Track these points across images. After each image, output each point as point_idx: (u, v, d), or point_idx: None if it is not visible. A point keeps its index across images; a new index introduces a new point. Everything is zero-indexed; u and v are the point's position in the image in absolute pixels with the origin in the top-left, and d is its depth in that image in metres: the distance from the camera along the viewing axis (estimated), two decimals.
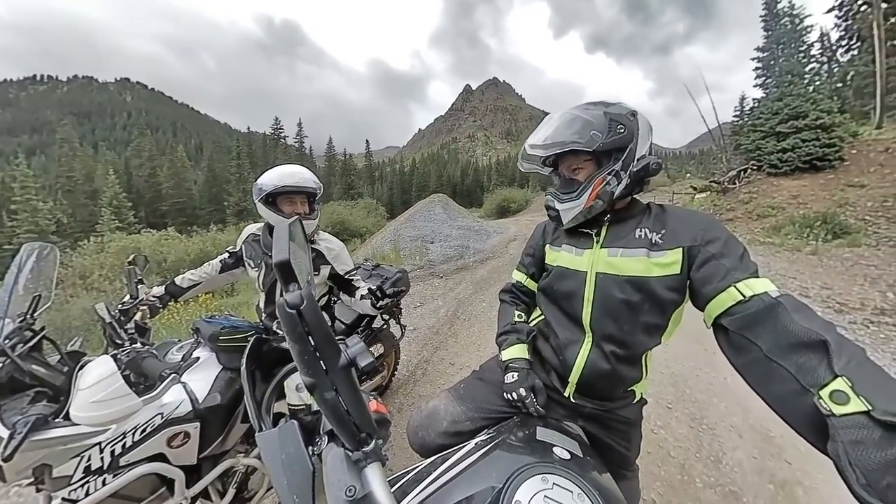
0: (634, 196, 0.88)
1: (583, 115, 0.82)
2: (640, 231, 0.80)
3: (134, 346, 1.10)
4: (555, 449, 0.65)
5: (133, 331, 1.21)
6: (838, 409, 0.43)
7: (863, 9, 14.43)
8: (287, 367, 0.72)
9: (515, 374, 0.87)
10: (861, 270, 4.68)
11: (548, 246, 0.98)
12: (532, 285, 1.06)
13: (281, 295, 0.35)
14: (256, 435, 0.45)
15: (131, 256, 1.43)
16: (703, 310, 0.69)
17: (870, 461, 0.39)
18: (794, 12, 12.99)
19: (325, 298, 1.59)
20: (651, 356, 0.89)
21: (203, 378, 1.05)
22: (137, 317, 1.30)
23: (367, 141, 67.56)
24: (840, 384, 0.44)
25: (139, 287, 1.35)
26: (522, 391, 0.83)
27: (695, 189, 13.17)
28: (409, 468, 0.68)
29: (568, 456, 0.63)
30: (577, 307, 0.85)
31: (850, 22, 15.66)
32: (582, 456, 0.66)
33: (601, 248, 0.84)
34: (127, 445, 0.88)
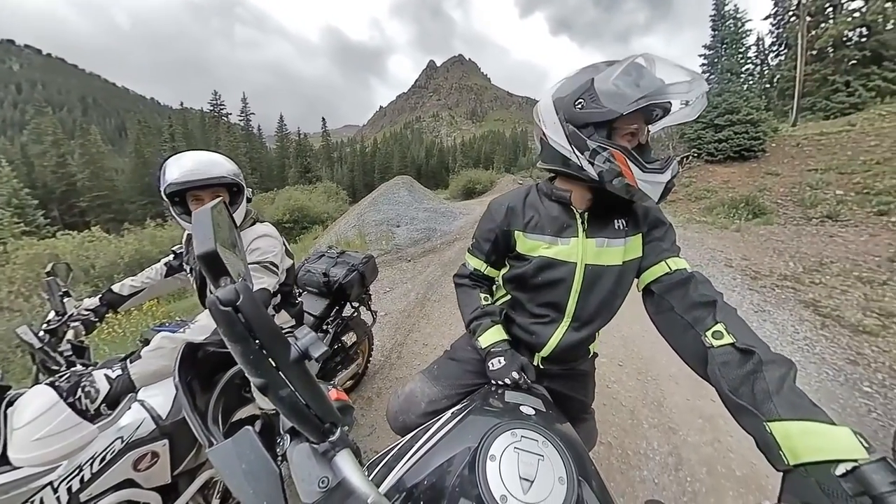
0: None
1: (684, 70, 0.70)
2: (618, 222, 0.82)
3: (73, 368, 0.94)
4: (521, 407, 0.71)
5: (69, 352, 1.07)
6: (716, 343, 0.62)
7: (792, 19, 16.27)
8: (230, 371, 0.64)
9: (502, 359, 0.85)
10: (772, 245, 5.51)
11: (520, 232, 0.88)
12: (492, 273, 1.01)
13: (211, 292, 0.30)
14: (206, 451, 0.40)
15: (49, 266, 1.21)
16: (638, 277, 0.83)
17: (732, 374, 0.58)
18: (738, 15, 14.16)
19: (288, 290, 1.46)
20: None
21: (162, 392, 0.94)
22: (70, 335, 1.12)
23: (323, 119, 60.96)
24: (719, 327, 0.63)
25: (65, 301, 1.16)
26: (515, 374, 0.82)
27: None
28: (391, 446, 0.71)
29: (533, 412, 0.69)
30: (562, 295, 0.85)
31: (781, 30, 17.59)
32: (545, 410, 0.74)
33: (587, 237, 0.82)
34: (86, 479, 0.78)
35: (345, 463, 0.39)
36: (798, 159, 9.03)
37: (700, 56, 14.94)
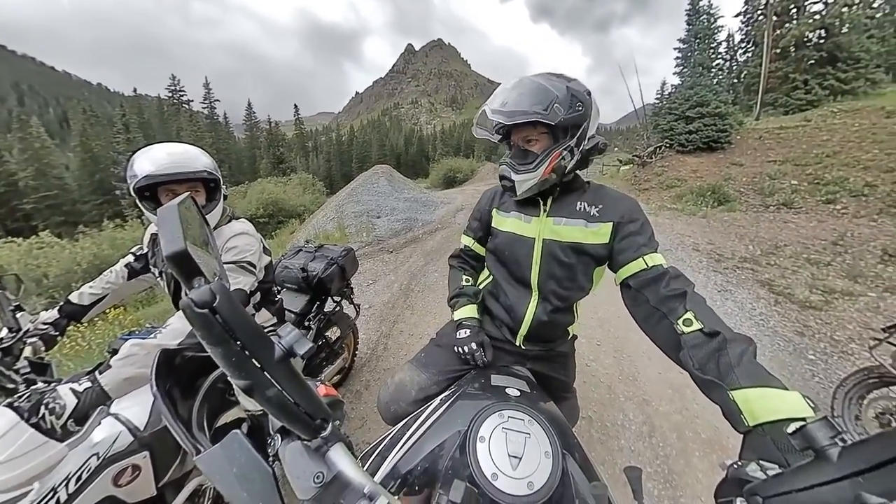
0: (577, 172, 0.94)
1: (546, 85, 0.82)
2: (581, 204, 0.90)
3: (34, 387, 0.88)
4: (507, 390, 0.74)
5: (28, 370, 1.00)
6: (687, 330, 0.69)
7: (760, 18, 17.02)
8: (212, 375, 0.63)
9: (467, 331, 0.98)
10: (735, 230, 5.91)
11: (495, 210, 1.04)
12: (479, 249, 1.14)
13: (184, 294, 0.29)
14: (194, 459, 0.39)
15: None
16: (615, 271, 0.88)
17: (700, 355, 0.65)
18: (711, 11, 14.65)
19: (267, 288, 1.40)
20: (580, 303, 1.04)
21: (137, 403, 0.90)
22: (28, 352, 1.04)
23: (295, 106, 58.42)
24: (689, 315, 0.70)
25: (18, 316, 1.07)
26: (473, 345, 0.94)
27: (620, 162, 14.82)
28: (383, 436, 0.73)
29: (518, 393, 0.73)
30: (525, 270, 0.94)
31: (750, 28, 18.29)
32: (529, 391, 0.78)
33: (547, 216, 0.92)
34: (62, 500, 0.73)
35: (338, 456, 0.39)
36: (760, 151, 9.63)
37: (675, 49, 15.41)
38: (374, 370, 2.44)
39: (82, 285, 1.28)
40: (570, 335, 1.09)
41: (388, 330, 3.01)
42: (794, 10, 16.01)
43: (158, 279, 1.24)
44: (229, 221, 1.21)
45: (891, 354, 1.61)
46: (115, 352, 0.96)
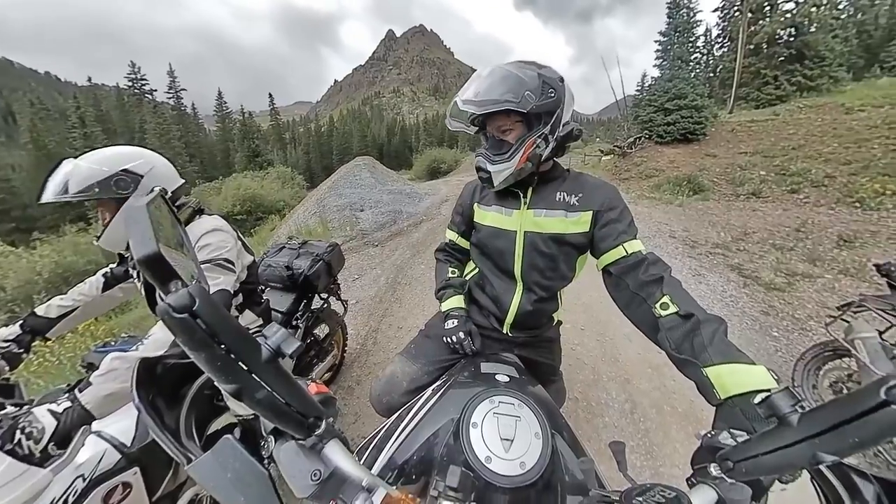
0: (555, 159, 0.94)
1: (517, 73, 0.81)
2: (560, 195, 0.91)
3: (4, 412, 0.82)
4: (497, 376, 0.76)
5: None
6: (664, 313, 0.72)
7: (736, 14, 17.41)
8: (197, 381, 0.61)
9: (455, 321, 1.00)
10: (708, 218, 6.19)
11: (477, 205, 1.05)
12: (463, 243, 1.15)
13: (161, 300, 0.27)
14: (186, 468, 0.39)
15: None
16: (597, 258, 0.91)
17: (676, 336, 0.68)
18: (691, 5, 14.93)
19: (251, 288, 1.33)
20: (564, 290, 1.06)
21: (121, 419, 0.86)
22: None
23: (270, 95, 53.05)
24: (666, 299, 0.73)
25: None
26: (461, 335, 0.96)
27: (602, 152, 15.06)
28: (378, 429, 0.73)
29: (507, 379, 0.75)
30: (508, 262, 0.96)
31: (726, 23, 18.69)
32: (518, 377, 0.80)
33: (528, 209, 0.92)
34: None
35: (334, 453, 0.39)
36: (732, 143, 10.03)
37: (655, 42, 15.72)
38: (365, 365, 2.43)
39: (47, 298, 1.20)
40: (555, 321, 1.12)
41: (376, 324, 3.00)
42: (768, 8, 16.56)
43: (136, 281, 1.17)
44: (198, 217, 1.12)
45: (843, 330, 1.75)
46: (90, 366, 0.92)
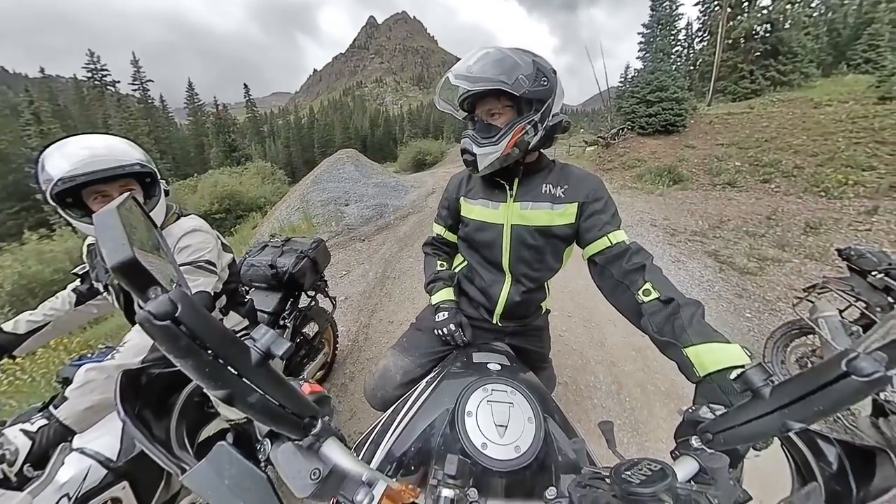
0: (541, 151, 0.95)
1: (513, 56, 0.81)
2: (546, 187, 0.91)
3: None
4: (489, 365, 0.78)
5: None
6: (646, 299, 0.76)
7: (716, 9, 17.90)
8: (185, 389, 0.59)
9: (445, 313, 1.00)
10: (687, 207, 6.42)
11: (463, 198, 1.04)
12: (450, 237, 1.15)
13: (140, 308, 0.26)
14: (181, 479, 0.38)
15: None
16: (583, 248, 0.93)
17: (658, 320, 0.72)
18: None
19: (233, 288, 1.28)
20: (551, 279, 1.09)
21: (105, 432, 0.82)
22: None
23: (245, 86, 48.80)
24: (647, 286, 0.76)
25: None
26: (452, 326, 0.97)
27: (586, 143, 15.26)
28: (374, 423, 0.74)
29: (499, 367, 0.76)
30: (496, 254, 0.97)
31: (706, 17, 19.14)
32: (510, 365, 0.82)
33: (514, 201, 0.92)
34: None
35: (332, 450, 0.39)
36: (710, 135, 10.38)
37: (638, 34, 15.89)
38: (358, 361, 2.43)
39: (13, 312, 1.12)
40: (544, 310, 1.15)
41: (367, 320, 2.98)
42: (746, 3, 17.10)
43: (106, 295, 1.10)
44: (177, 219, 1.08)
45: (808, 310, 1.88)
46: (66, 381, 0.88)
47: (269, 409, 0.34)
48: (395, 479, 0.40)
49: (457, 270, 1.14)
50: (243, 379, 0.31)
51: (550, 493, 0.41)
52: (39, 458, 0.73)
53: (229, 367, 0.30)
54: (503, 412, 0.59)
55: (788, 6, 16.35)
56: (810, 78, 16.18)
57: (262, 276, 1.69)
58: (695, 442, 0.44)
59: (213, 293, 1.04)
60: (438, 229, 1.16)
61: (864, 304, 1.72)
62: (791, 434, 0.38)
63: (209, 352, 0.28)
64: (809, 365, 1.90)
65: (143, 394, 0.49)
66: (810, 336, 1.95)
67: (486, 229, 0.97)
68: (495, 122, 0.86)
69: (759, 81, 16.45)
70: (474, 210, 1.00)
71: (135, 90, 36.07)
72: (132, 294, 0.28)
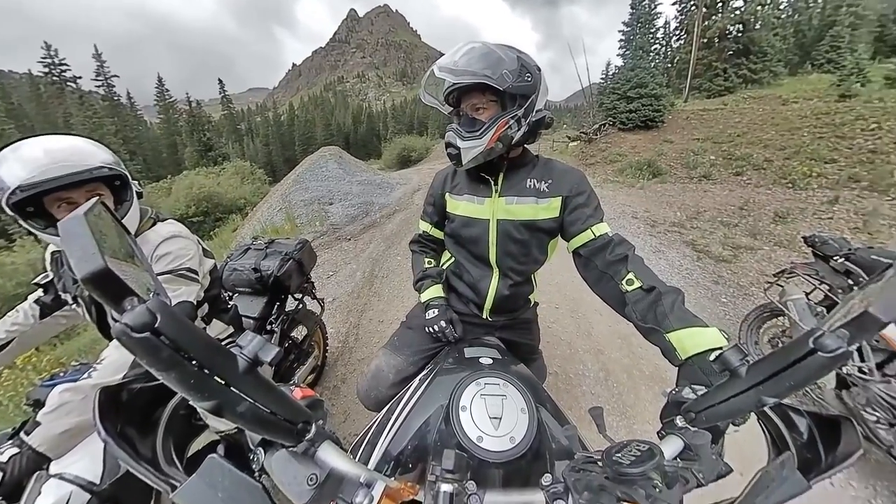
0: (525, 146, 0.96)
1: (498, 52, 0.81)
2: (530, 181, 0.92)
3: None
4: (480, 359, 0.78)
5: None
6: (629, 288, 0.78)
7: (693, 8, 18.57)
8: (170, 402, 0.56)
9: (435, 311, 1.01)
10: (666, 199, 6.66)
11: (448, 194, 1.04)
12: (437, 233, 1.15)
13: (115, 320, 0.25)
14: (171, 496, 0.37)
15: None
16: (567, 241, 0.95)
17: (641, 308, 0.75)
18: None
19: (215, 295, 1.23)
20: (538, 272, 1.11)
21: (85, 455, 0.78)
22: None
23: (220, 81, 45.47)
24: (630, 276, 0.79)
25: None
26: (443, 323, 0.97)
27: (569, 138, 15.53)
28: (369, 424, 0.73)
29: (491, 361, 0.78)
30: (483, 250, 0.98)
31: (683, 17, 19.83)
32: (501, 358, 0.83)
33: (499, 196, 0.93)
34: None
35: (328, 454, 0.39)
36: (686, 130, 10.76)
37: (619, 32, 16.29)
38: (349, 363, 2.40)
39: None
40: (532, 303, 1.17)
41: (356, 320, 2.95)
42: (720, 4, 17.83)
43: (75, 307, 1.02)
44: (153, 224, 1.02)
45: (778, 294, 2.00)
46: (37, 404, 0.82)
47: (260, 417, 0.33)
48: (393, 478, 0.40)
49: (445, 267, 1.14)
50: (231, 388, 0.30)
51: (546, 479, 0.42)
52: (13, 489, 0.69)
53: (216, 377, 0.29)
54: (497, 404, 0.60)
55: (759, 7, 17.19)
56: (778, 76, 17.08)
57: (246, 280, 1.64)
58: (679, 421, 0.46)
59: (195, 302, 1.00)
60: (425, 226, 1.16)
61: (827, 287, 1.85)
62: (766, 409, 0.41)
63: (194, 362, 0.27)
64: (780, 344, 2.01)
65: (125, 410, 0.47)
66: (780, 318, 2.09)
67: (473, 225, 0.98)
68: (479, 117, 0.86)
69: (732, 79, 17.25)
70: (460, 206, 1.01)
71: (98, 86, 33.54)
72: (106, 306, 0.26)
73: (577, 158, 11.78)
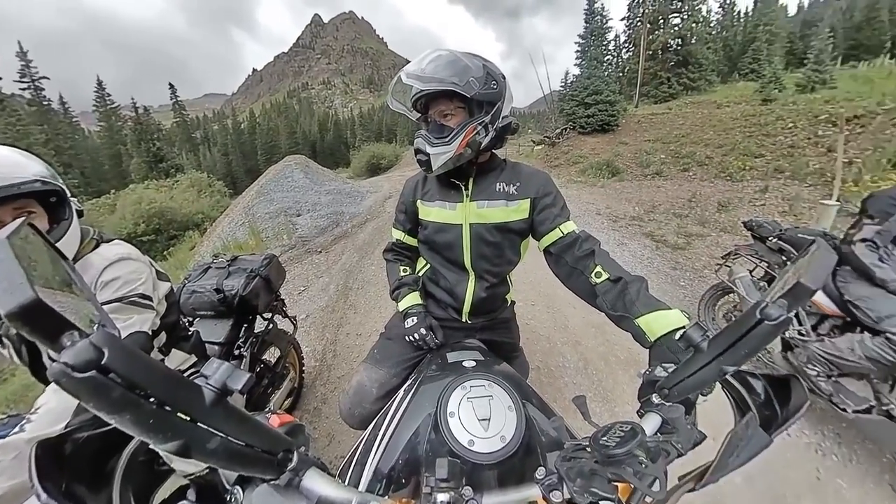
0: (494, 151, 0.98)
1: (464, 60, 0.83)
2: (500, 185, 0.95)
3: None
4: (464, 363, 0.79)
5: None
6: (598, 280, 0.82)
7: (638, 24, 20.70)
8: (127, 448, 0.49)
9: (414, 318, 1.00)
10: (625, 195, 7.15)
11: (420, 201, 1.05)
12: (410, 241, 1.15)
13: (52, 360, 0.22)
14: None
15: None
16: (538, 240, 0.99)
17: (610, 298, 0.79)
18: (604, 13, 17.41)
19: (173, 322, 1.12)
20: (512, 273, 1.14)
21: None
22: None
23: (171, 86, 40.72)
24: (598, 268, 0.83)
25: None
26: (423, 330, 0.97)
27: (534, 142, 16.22)
28: (356, 443, 0.71)
29: (474, 364, 0.78)
30: (458, 254, 0.99)
31: (631, 31, 21.98)
32: (484, 359, 0.84)
33: (470, 201, 0.95)
34: None
35: (314, 482, 0.37)
36: (638, 132, 11.69)
37: (575, 43, 17.56)
38: (329, 381, 2.29)
39: None
40: (509, 302, 1.20)
41: (333, 336, 2.83)
42: (662, 21, 20.13)
43: (3, 351, 0.90)
44: (96, 246, 0.92)
45: (727, 273, 2.24)
46: None
47: (234, 453, 0.30)
48: (387, 497, 0.39)
49: (420, 274, 1.14)
50: (199, 424, 0.28)
51: (540, 473, 0.42)
52: None
53: (180, 414, 0.26)
54: (484, 406, 0.60)
55: (694, 24, 19.58)
56: (712, 84, 19.39)
57: (208, 302, 1.51)
58: (655, 399, 0.49)
59: (149, 331, 0.90)
60: (398, 234, 1.16)
61: (766, 264, 2.08)
62: (728, 377, 0.44)
63: (151, 400, 0.24)
64: (733, 318, 2.24)
65: (70, 465, 0.41)
66: (731, 294, 2.32)
67: (446, 230, 0.99)
68: (448, 123, 0.88)
69: (675, 87, 19.36)
70: (432, 212, 1.01)
71: (24, 89, 29.29)
72: (40, 345, 0.22)
73: (543, 161, 12.32)
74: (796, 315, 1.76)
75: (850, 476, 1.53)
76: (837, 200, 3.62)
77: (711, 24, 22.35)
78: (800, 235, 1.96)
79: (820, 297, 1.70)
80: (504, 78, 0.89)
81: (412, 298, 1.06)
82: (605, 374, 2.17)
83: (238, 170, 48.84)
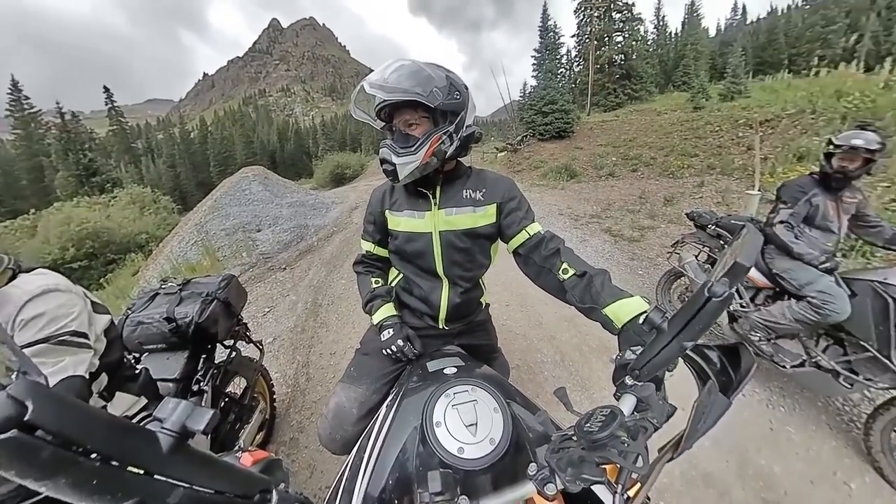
0: (459, 159, 1.01)
1: (427, 70, 0.84)
2: (466, 192, 0.98)
3: None
4: (445, 370, 0.78)
5: None
6: (565, 276, 0.85)
7: (587, 41, 23.16)
8: None
9: (390, 330, 0.99)
10: (583, 196, 7.66)
11: (388, 212, 1.04)
12: (381, 251, 1.13)
13: None
14: None
15: None
16: (507, 243, 1.01)
17: (578, 292, 0.82)
18: (556, 30, 19.37)
19: (116, 360, 0.99)
20: (484, 276, 1.16)
21: None
22: None
23: (106, 89, 35.73)
24: (565, 265, 0.86)
25: None
26: (400, 342, 0.96)
27: (497, 149, 16.84)
28: (342, 469, 0.68)
29: (455, 370, 0.78)
30: (430, 262, 0.99)
31: (580, 47, 24.45)
32: (464, 364, 0.84)
33: (439, 209, 0.96)
34: None
35: None
36: (592, 138, 12.68)
37: (532, 56, 18.86)
38: (304, 407, 2.13)
39: None
40: (484, 305, 1.21)
41: (304, 358, 2.66)
42: (606, 38, 22.70)
43: None
44: (13, 277, 0.79)
45: (677, 260, 2.52)
46: None
47: (202, 502, 0.27)
48: None
49: (393, 284, 1.12)
50: (155, 476, 0.24)
51: (531, 468, 0.43)
52: None
53: (130, 468, 0.23)
54: (470, 411, 0.60)
55: (634, 42, 22.41)
56: (652, 94, 21.84)
57: (158, 334, 1.35)
58: (628, 380, 0.52)
59: (86, 375, 0.79)
60: (367, 246, 1.14)
61: (708, 249, 2.39)
62: (688, 352, 0.49)
63: (93, 456, 0.21)
64: (686, 299, 2.50)
65: None
66: (682, 278, 2.61)
67: (416, 239, 0.99)
68: (413, 133, 0.88)
69: (621, 97, 21.58)
70: (401, 222, 1.01)
71: None
72: None
73: (506, 167, 12.82)
74: (737, 290, 2.02)
75: (796, 423, 1.78)
76: (759, 190, 4.22)
77: (648, 43, 25.44)
78: (733, 222, 2.27)
79: (754, 273, 1.99)
80: (467, 88, 0.91)
81: (386, 310, 1.04)
82: (581, 363, 2.28)
83: (187, 183, 44.94)
